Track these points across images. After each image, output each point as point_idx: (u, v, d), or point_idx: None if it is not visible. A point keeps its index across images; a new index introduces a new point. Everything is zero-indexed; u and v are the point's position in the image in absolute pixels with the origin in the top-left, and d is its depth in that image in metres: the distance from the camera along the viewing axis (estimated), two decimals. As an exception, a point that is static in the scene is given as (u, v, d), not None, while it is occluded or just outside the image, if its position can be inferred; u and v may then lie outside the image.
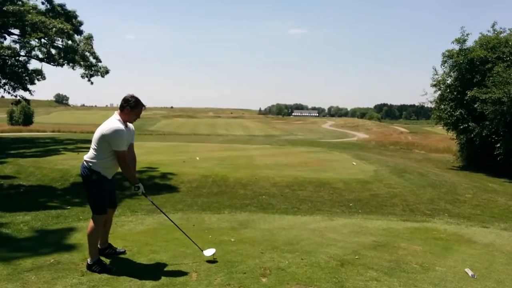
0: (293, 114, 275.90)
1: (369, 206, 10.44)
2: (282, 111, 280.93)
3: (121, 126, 4.34)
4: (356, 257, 5.03)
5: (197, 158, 16.47)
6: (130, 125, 4.56)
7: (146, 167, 13.84)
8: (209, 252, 4.71)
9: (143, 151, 17.23)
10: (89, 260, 4.37)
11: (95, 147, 4.35)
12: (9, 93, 27.85)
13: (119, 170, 4.54)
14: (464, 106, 21.12)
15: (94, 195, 4.44)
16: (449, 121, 22.07)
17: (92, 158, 4.37)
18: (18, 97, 28.52)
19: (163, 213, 5.27)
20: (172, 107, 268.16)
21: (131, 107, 4.44)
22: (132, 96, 4.48)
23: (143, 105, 4.55)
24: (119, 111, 4.47)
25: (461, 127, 21.18)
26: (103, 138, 4.29)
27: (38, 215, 7.27)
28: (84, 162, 4.42)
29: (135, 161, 4.79)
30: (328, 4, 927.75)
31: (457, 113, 21.30)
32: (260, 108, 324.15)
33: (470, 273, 4.68)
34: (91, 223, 4.47)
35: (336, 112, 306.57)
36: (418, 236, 6.47)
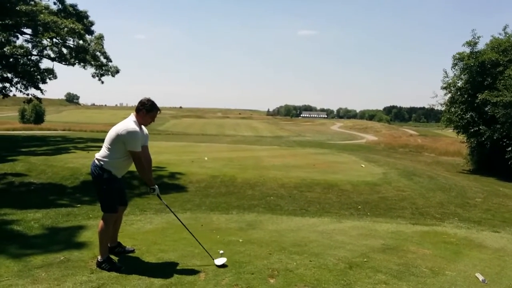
0: (301, 115, 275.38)
1: (378, 208, 10.39)
2: (291, 112, 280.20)
3: (136, 128, 4.37)
4: (365, 260, 5.01)
5: (206, 158, 16.50)
6: (144, 128, 4.59)
7: (154, 167, 13.81)
8: (220, 261, 4.65)
9: (152, 151, 17.04)
10: (99, 257, 4.40)
11: (109, 147, 4.38)
12: (21, 91, 28.14)
13: (131, 169, 4.56)
14: (474, 109, 20.98)
15: (105, 194, 4.47)
16: (459, 124, 21.93)
17: (104, 157, 4.39)
18: (30, 96, 28.79)
19: (177, 217, 5.21)
20: (181, 107, 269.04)
21: (146, 110, 4.47)
22: (149, 100, 4.51)
23: (158, 109, 4.59)
24: (135, 113, 4.50)
25: (472, 130, 21.04)
26: (118, 138, 4.32)
27: (48, 212, 7.33)
28: (96, 161, 4.44)
29: (150, 163, 4.84)
30: (338, 6, 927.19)
31: (468, 116, 21.16)
32: (268, 109, 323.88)
33: (480, 278, 4.64)
34: (101, 222, 4.50)
35: (344, 114, 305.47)
36: (428, 239, 6.42)
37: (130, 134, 4.31)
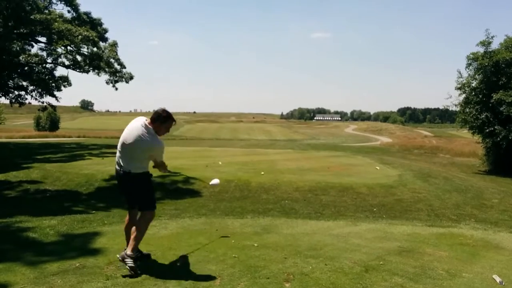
0: (315, 118, 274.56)
1: (393, 211, 10.30)
2: (304, 115, 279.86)
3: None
4: (381, 262, 4.96)
5: (220, 163, 16.53)
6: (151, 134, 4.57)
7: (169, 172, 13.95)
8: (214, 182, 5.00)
9: (166, 156, 17.21)
10: None
11: None
12: (36, 99, 28.56)
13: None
14: (489, 109, 20.70)
15: None
16: (474, 124, 21.64)
17: None
18: (45, 104, 29.20)
19: None
20: (194, 112, 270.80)
21: (161, 122, 4.58)
22: (164, 111, 4.61)
23: (173, 120, 4.68)
24: (149, 121, 4.58)
25: (487, 130, 20.74)
26: None
27: (64, 219, 7.40)
28: None
29: None
30: (351, 8, 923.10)
31: (483, 116, 20.87)
32: (282, 113, 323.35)
33: (498, 279, 4.57)
34: None
35: (358, 116, 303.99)
36: (444, 241, 6.34)
37: None
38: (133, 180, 4.61)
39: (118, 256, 4.55)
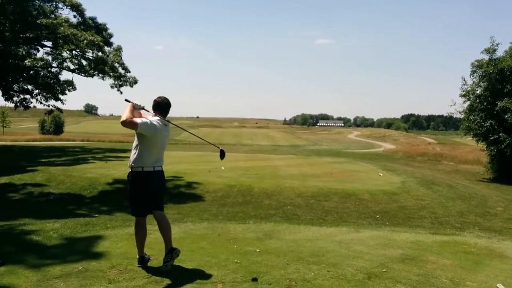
0: (318, 124, 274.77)
1: (396, 218, 10.26)
2: (307, 121, 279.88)
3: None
4: (384, 270, 4.94)
5: (222, 168, 16.52)
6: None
7: (172, 176, 13.96)
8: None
9: (169, 161, 17.37)
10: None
11: None
12: (41, 103, 28.71)
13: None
14: (494, 116, 20.64)
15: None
16: (478, 132, 21.58)
17: None
18: (51, 107, 29.35)
19: None
20: (198, 117, 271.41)
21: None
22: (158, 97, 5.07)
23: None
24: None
25: (492, 138, 20.69)
26: None
27: (67, 222, 7.40)
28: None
29: None
30: (355, 15, 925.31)
31: (487, 124, 20.81)
32: (285, 118, 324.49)
33: (502, 289, 4.54)
34: None
35: (362, 122, 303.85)
36: (448, 249, 6.31)
37: None
38: (163, 175, 5.04)
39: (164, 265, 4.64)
